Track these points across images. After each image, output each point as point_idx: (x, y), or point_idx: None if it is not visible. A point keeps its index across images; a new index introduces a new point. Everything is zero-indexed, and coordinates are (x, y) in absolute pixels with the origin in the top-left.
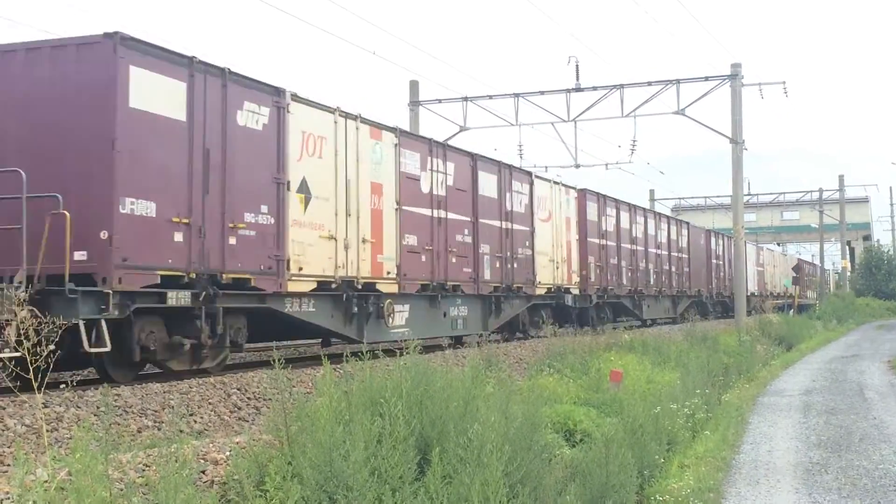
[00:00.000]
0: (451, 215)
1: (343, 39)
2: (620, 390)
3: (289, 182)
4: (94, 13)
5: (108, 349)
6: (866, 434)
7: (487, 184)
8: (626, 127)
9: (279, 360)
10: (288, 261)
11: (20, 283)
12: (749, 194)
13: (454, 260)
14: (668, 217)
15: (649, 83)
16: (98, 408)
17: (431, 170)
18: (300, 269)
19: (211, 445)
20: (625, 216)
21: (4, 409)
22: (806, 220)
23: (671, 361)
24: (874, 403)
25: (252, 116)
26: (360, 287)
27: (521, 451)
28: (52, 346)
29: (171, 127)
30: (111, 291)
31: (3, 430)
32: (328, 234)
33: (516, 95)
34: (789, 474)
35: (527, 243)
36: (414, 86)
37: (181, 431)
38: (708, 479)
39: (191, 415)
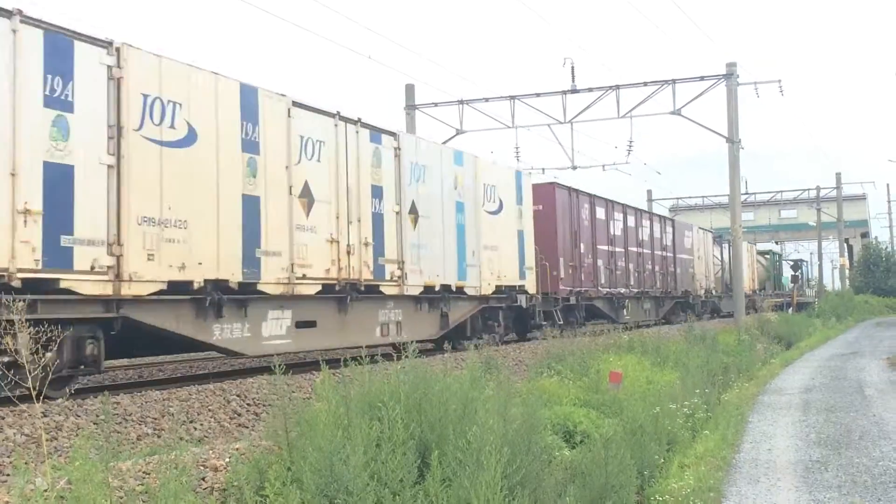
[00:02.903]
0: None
1: (338, 44)
2: (620, 391)
3: None
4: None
5: None
6: (866, 431)
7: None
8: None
9: (279, 366)
10: None
11: None
12: (746, 193)
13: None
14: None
15: (645, 84)
16: (97, 416)
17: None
18: None
19: (211, 452)
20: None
21: (4, 418)
22: (804, 218)
23: (670, 361)
24: (874, 400)
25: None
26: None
27: (521, 453)
28: (50, 355)
29: None
30: None
31: (3, 440)
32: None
33: (512, 98)
34: (789, 472)
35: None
36: (410, 89)
37: (181, 438)
38: (708, 478)
39: (191, 422)
